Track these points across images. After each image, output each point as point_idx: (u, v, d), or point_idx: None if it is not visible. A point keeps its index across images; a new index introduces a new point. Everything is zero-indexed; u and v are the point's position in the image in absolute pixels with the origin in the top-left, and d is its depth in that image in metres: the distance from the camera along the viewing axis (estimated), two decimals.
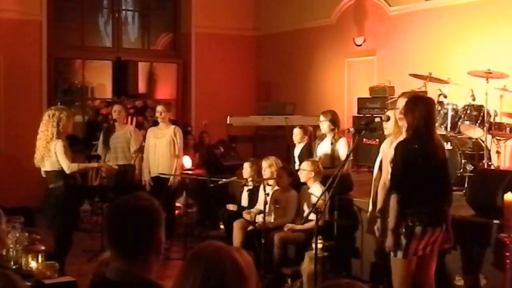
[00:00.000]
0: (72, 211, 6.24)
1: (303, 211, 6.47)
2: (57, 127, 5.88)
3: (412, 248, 4.29)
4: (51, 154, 5.90)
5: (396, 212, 4.30)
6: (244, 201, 7.33)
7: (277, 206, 6.72)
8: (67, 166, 5.92)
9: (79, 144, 9.69)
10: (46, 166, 5.99)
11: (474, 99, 7.13)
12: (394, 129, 4.96)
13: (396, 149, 4.43)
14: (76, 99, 11.49)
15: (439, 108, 7.21)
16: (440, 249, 4.50)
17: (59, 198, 5.98)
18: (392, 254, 4.42)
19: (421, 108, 4.37)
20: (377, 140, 8.40)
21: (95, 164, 6.34)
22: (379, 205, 4.89)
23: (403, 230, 4.29)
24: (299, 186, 6.71)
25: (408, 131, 4.40)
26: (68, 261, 6.02)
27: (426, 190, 4.35)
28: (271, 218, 6.63)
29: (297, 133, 7.36)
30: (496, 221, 5.16)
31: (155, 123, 8.07)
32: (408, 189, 4.31)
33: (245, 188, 7.34)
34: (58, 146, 5.88)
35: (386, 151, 4.87)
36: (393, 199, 4.33)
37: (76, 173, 6.14)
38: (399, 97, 5.02)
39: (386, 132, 5.13)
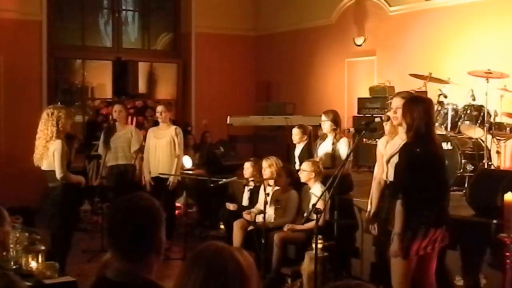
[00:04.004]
0: (71, 211, 6.19)
1: (303, 211, 6.47)
2: (56, 126, 5.84)
3: (414, 248, 4.28)
4: (49, 154, 5.86)
5: (403, 216, 4.24)
6: (245, 201, 7.32)
7: (277, 206, 6.71)
8: (60, 173, 5.85)
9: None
10: (44, 165, 5.95)
11: (474, 99, 7.13)
12: (390, 128, 4.95)
13: (400, 153, 4.40)
14: (76, 99, 11.47)
15: (439, 108, 7.21)
16: (439, 248, 4.46)
17: (58, 197, 5.94)
18: None
19: (420, 108, 4.34)
20: (377, 140, 8.39)
21: (79, 178, 6.12)
22: (374, 204, 4.90)
23: (408, 232, 4.25)
24: (300, 186, 6.70)
25: (409, 133, 4.37)
26: (68, 261, 6.01)
27: (430, 192, 4.32)
28: (271, 218, 6.63)
29: (296, 133, 7.31)
30: (496, 221, 5.17)
31: (155, 123, 8.06)
32: (414, 193, 4.27)
33: (246, 188, 7.33)
34: (57, 148, 5.82)
35: (382, 151, 4.85)
36: (399, 204, 4.27)
37: (66, 180, 5.96)
38: (394, 96, 5.01)
39: (386, 133, 5.12)
